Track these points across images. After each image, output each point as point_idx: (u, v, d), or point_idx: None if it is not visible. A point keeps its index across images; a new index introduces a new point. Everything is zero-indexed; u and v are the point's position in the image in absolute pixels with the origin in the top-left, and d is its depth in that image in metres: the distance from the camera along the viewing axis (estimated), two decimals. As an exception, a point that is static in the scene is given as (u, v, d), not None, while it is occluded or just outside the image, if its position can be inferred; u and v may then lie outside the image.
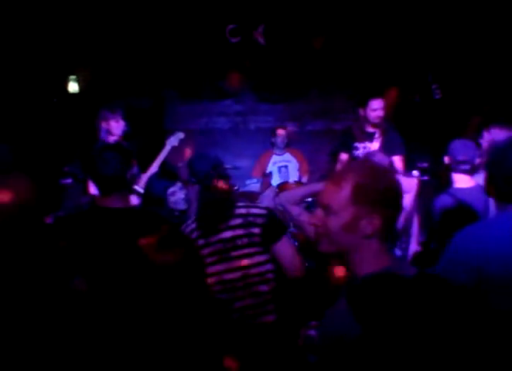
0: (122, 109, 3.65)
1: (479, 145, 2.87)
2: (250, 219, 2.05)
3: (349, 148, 3.93)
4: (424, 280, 1.05)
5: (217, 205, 2.09)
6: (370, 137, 3.87)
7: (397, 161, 3.83)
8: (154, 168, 3.71)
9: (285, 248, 2.06)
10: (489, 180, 1.67)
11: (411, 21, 4.95)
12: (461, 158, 2.54)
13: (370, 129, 3.87)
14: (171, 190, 2.78)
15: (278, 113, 5.69)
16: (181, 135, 3.85)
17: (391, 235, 1.18)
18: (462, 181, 2.60)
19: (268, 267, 2.06)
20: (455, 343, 0.96)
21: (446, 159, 2.64)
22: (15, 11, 4.45)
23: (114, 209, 1.98)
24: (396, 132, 3.94)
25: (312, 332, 1.43)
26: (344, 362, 1.06)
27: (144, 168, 3.73)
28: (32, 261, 1.81)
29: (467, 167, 2.56)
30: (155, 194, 2.71)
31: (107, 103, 3.69)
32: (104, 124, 3.59)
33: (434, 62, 5.07)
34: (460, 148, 2.58)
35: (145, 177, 3.65)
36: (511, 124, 2.80)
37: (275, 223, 2.08)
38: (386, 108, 3.78)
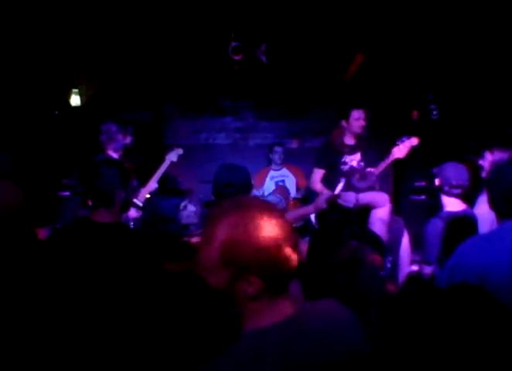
0: (132, 126, 3.67)
1: (478, 166, 2.89)
2: None
3: (333, 164, 3.79)
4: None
5: None
6: (352, 150, 3.80)
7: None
8: (153, 182, 3.73)
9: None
10: (489, 197, 1.78)
11: (413, 41, 5.02)
12: (453, 182, 2.55)
13: (352, 141, 3.81)
14: (182, 205, 2.76)
15: (277, 130, 5.74)
16: (180, 151, 3.90)
17: (283, 286, 0.99)
18: (452, 204, 2.61)
19: None
20: None
21: (437, 181, 2.65)
22: (18, 25, 4.51)
23: (99, 223, 1.98)
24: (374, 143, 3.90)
25: None
26: None
27: (143, 182, 3.74)
28: (16, 270, 1.82)
29: (459, 191, 2.57)
30: (166, 213, 2.68)
31: (114, 118, 3.67)
32: (120, 138, 3.55)
33: (434, 83, 5.14)
34: (452, 171, 2.59)
35: (143, 191, 3.67)
36: None
37: None
38: (367, 119, 3.74)
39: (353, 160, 3.81)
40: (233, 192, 1.98)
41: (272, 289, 0.96)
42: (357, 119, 3.69)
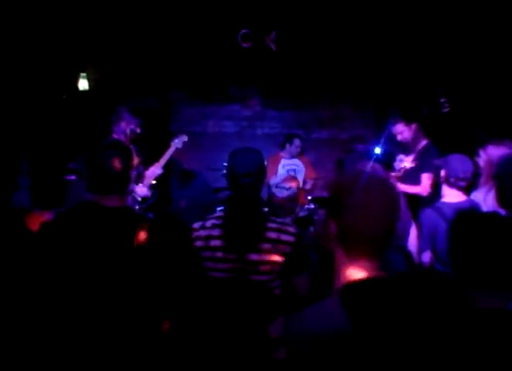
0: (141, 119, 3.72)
1: (475, 163, 2.85)
2: (280, 246, 1.89)
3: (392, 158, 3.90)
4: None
5: (247, 225, 1.89)
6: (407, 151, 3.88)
7: (425, 178, 3.63)
8: (158, 168, 3.74)
9: (303, 282, 1.97)
10: (497, 190, 1.79)
11: (422, 35, 4.96)
12: (460, 174, 2.52)
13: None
14: None
15: (285, 120, 5.72)
16: (184, 138, 3.93)
17: (357, 250, 1.12)
18: (452, 195, 2.58)
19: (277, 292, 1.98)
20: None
21: (442, 172, 2.62)
22: (27, 10, 4.50)
23: (108, 208, 1.97)
24: (433, 151, 3.77)
25: None
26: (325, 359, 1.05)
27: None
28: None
29: (464, 183, 2.55)
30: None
31: (125, 104, 3.72)
32: (123, 125, 3.60)
33: (443, 76, 5.08)
34: (459, 164, 2.55)
35: (148, 177, 3.69)
36: (506, 141, 2.77)
37: (300, 255, 1.94)
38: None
39: (403, 160, 3.82)
40: (252, 182, 1.93)
41: (345, 241, 1.11)
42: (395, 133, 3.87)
